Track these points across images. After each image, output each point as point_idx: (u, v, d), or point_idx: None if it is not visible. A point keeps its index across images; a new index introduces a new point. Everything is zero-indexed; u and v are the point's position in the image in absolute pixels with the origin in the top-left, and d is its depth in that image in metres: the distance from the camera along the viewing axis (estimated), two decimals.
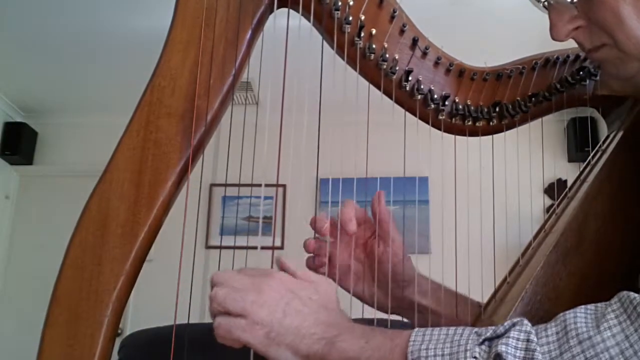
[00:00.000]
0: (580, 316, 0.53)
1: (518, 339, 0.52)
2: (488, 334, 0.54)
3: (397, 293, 0.82)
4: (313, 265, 0.80)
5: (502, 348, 0.51)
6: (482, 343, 0.54)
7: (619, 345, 0.49)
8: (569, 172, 3.55)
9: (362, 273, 0.83)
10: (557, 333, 0.52)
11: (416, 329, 0.57)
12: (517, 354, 0.51)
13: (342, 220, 0.79)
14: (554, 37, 0.69)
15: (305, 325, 0.59)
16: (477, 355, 0.52)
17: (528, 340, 0.52)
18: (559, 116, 0.89)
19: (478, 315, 0.80)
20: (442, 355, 0.53)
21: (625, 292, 0.53)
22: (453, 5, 3.02)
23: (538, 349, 0.51)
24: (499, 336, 0.54)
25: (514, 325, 0.54)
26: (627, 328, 0.50)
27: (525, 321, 0.54)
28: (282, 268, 0.66)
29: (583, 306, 0.55)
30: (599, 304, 0.55)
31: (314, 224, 0.79)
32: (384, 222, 0.81)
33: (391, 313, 0.79)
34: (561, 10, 0.69)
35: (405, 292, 0.83)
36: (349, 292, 0.82)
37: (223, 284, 0.61)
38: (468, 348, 0.53)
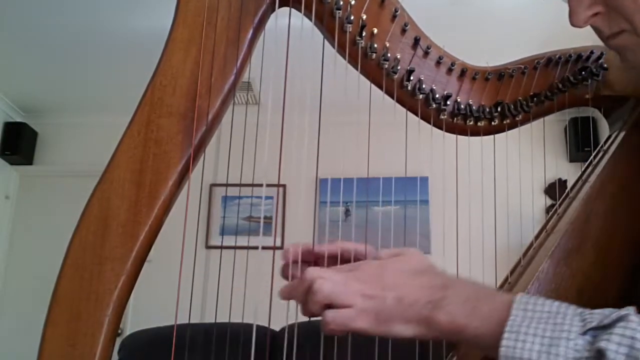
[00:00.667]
0: None
1: (622, 336, 0.49)
2: (594, 324, 0.51)
3: None
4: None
5: (604, 345, 0.49)
6: (585, 333, 0.51)
7: None
8: (569, 172, 3.55)
9: None
10: None
11: (518, 300, 0.55)
12: (620, 351, 0.48)
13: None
14: (573, 24, 0.69)
15: (406, 295, 0.60)
16: (580, 348, 0.50)
17: (633, 338, 0.49)
18: (560, 116, 0.88)
19: None
20: (543, 336, 0.51)
21: None
22: (453, 5, 3.02)
23: None
24: (604, 327, 0.51)
25: (620, 319, 0.51)
26: None
27: (633, 316, 0.51)
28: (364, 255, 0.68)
29: None
30: None
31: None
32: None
33: None
34: None
35: None
36: None
37: (324, 278, 0.62)
38: (571, 337, 0.51)
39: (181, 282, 0.73)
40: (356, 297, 0.61)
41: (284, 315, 0.88)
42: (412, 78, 0.80)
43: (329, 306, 0.61)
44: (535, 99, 0.85)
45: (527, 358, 0.51)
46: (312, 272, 0.63)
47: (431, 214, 3.74)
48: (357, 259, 0.73)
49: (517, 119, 0.84)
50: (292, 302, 0.77)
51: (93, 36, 3.37)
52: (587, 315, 0.52)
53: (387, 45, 0.78)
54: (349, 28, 0.76)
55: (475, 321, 0.56)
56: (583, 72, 0.88)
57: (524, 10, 3.06)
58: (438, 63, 0.81)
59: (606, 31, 0.68)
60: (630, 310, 0.52)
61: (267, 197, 3.86)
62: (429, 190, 3.75)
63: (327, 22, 0.77)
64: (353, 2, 0.76)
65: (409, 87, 0.80)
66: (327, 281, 0.62)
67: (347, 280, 0.62)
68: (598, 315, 0.52)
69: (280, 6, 0.76)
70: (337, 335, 0.62)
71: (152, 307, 2.81)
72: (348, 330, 0.61)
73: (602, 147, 0.87)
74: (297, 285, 0.64)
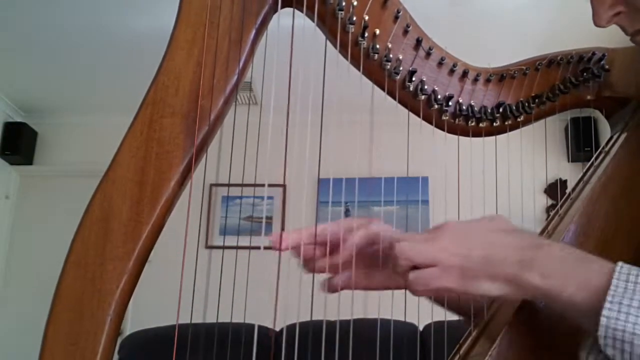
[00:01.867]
0: None
1: None
2: None
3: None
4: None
5: None
6: None
7: None
8: (569, 172, 3.55)
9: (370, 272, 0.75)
10: None
11: (616, 280, 0.53)
12: None
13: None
14: (596, 24, 0.69)
15: (494, 253, 0.59)
16: None
17: None
18: (560, 116, 0.88)
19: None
20: None
21: None
22: (453, 5, 3.02)
23: None
24: None
25: None
26: None
27: None
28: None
29: None
30: None
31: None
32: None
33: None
34: None
35: None
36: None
37: (406, 239, 0.62)
38: None
39: (182, 282, 0.73)
40: (440, 254, 0.60)
41: (284, 315, 0.88)
42: (414, 79, 0.80)
43: (416, 268, 0.60)
44: (536, 100, 0.85)
45: (630, 332, 0.49)
46: (393, 236, 0.63)
47: (432, 214, 3.74)
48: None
49: (518, 120, 0.84)
50: (292, 302, 0.77)
51: (93, 36, 3.37)
52: None
53: (389, 46, 0.78)
54: (351, 29, 0.77)
55: (571, 286, 0.54)
56: (585, 74, 0.88)
57: (525, 11, 3.07)
58: (440, 64, 0.81)
59: (629, 29, 0.70)
60: None
61: (268, 197, 3.86)
62: (430, 190, 3.75)
63: (329, 23, 0.77)
64: (355, 3, 0.76)
65: (411, 88, 0.80)
66: (407, 242, 0.61)
67: (429, 239, 0.61)
68: None
69: (282, 7, 0.76)
70: (425, 295, 0.62)
71: (152, 307, 2.81)
72: (434, 290, 0.60)
73: (603, 148, 0.87)
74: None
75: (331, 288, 0.74)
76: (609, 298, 0.51)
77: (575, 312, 0.55)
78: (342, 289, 0.74)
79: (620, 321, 0.50)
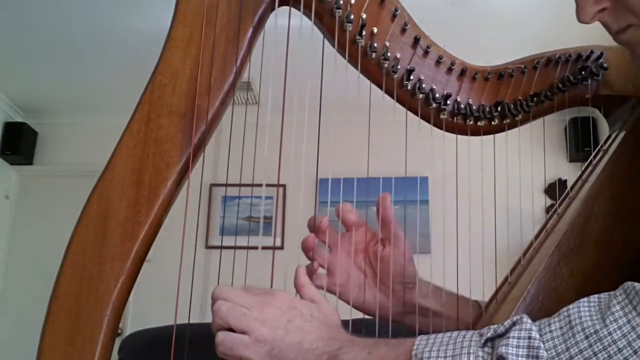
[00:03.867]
0: (584, 310, 0.53)
1: (519, 338, 0.52)
2: (489, 334, 0.54)
3: (400, 296, 0.81)
4: (311, 271, 0.78)
5: (503, 350, 0.51)
6: (484, 344, 0.53)
7: (626, 337, 0.50)
8: (569, 172, 3.55)
9: (363, 282, 0.81)
10: (561, 328, 0.52)
11: (420, 336, 0.57)
12: (520, 353, 0.51)
13: (341, 211, 0.80)
14: (580, 20, 0.68)
15: (307, 341, 0.60)
16: (481, 359, 0.52)
17: (529, 338, 0.52)
18: (560, 116, 0.88)
19: (479, 315, 0.80)
20: (445, 357, 0.53)
21: (629, 283, 0.53)
22: (453, 5, 3.02)
23: (542, 345, 0.51)
24: (500, 335, 0.54)
25: (514, 324, 0.54)
26: (633, 319, 0.50)
27: (525, 318, 0.54)
28: (296, 276, 0.67)
29: (585, 299, 0.54)
30: (601, 295, 0.55)
31: (312, 222, 0.78)
32: (388, 223, 0.80)
33: (393, 320, 0.78)
34: None
35: (409, 295, 0.82)
36: (348, 303, 0.81)
37: (226, 300, 0.62)
38: (471, 351, 0.53)
39: (181, 282, 0.73)
40: (254, 324, 0.60)
41: None
42: (412, 77, 0.80)
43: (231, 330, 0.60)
44: (535, 98, 0.84)
45: None
46: (217, 291, 0.63)
47: (431, 214, 3.74)
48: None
49: (517, 118, 0.84)
50: None
51: (93, 36, 3.37)
52: (484, 330, 0.55)
53: (387, 44, 0.78)
54: (349, 27, 0.76)
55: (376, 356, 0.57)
56: (583, 72, 0.87)
57: (523, 10, 3.06)
58: (438, 62, 0.81)
59: (614, 26, 0.68)
60: (523, 315, 0.54)
61: (267, 197, 3.86)
62: (429, 190, 3.75)
63: (326, 22, 0.77)
64: (353, 1, 0.76)
65: (409, 87, 0.80)
66: (226, 303, 0.61)
67: (252, 305, 0.61)
68: (493, 327, 0.54)
69: (279, 5, 0.75)
70: None
71: (152, 307, 2.81)
72: (237, 357, 0.60)
73: (602, 147, 0.87)
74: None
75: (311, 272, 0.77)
76: (413, 353, 0.55)
77: None
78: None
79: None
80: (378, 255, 0.80)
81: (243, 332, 0.60)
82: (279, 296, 0.63)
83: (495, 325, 0.55)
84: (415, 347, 0.56)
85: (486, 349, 0.53)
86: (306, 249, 0.79)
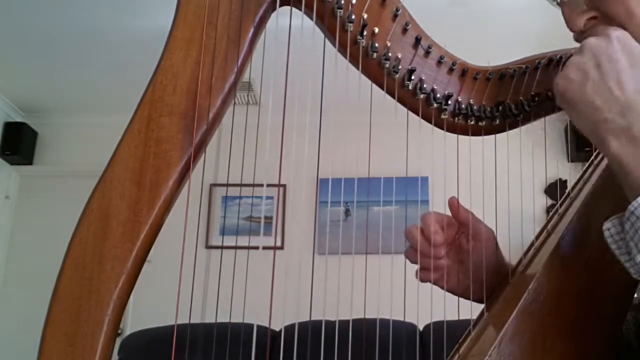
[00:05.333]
0: None
1: None
2: None
3: (494, 283, 0.84)
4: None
5: None
6: None
7: None
8: (569, 172, 3.55)
9: (455, 270, 0.86)
10: None
11: None
12: None
13: (427, 235, 0.83)
14: (571, 30, 0.71)
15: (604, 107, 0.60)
16: None
17: None
18: (560, 116, 0.88)
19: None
20: None
21: None
22: (453, 5, 3.02)
23: None
24: None
25: None
26: None
27: None
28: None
29: None
30: None
31: (410, 235, 0.84)
32: (465, 224, 0.85)
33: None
34: (572, 4, 0.70)
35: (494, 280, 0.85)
36: (442, 288, 0.86)
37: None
38: None
39: (181, 282, 0.73)
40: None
41: (283, 315, 0.88)
42: (413, 78, 0.80)
43: None
44: (536, 98, 0.84)
45: None
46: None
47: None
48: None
49: (518, 118, 0.84)
50: (292, 302, 0.77)
51: (93, 36, 3.37)
52: None
53: (388, 44, 0.78)
54: (350, 27, 0.76)
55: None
56: None
57: (524, 10, 3.06)
58: (439, 63, 0.81)
59: None
60: None
61: (268, 197, 3.86)
62: (430, 190, 3.75)
63: (328, 22, 0.76)
64: (354, 1, 0.76)
65: (410, 87, 0.80)
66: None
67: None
68: None
69: (281, 5, 0.75)
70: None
71: (152, 307, 2.81)
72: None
73: None
74: None
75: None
76: None
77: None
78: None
79: None
80: (464, 248, 0.86)
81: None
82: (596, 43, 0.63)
83: None
84: None
85: None
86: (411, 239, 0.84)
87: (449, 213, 0.87)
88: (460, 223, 0.86)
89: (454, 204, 0.85)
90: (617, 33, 0.62)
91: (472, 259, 0.84)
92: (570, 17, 0.68)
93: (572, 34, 0.75)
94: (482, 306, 0.81)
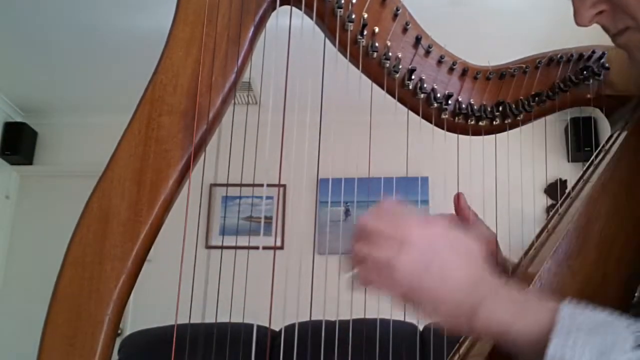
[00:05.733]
0: None
1: None
2: None
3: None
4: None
5: None
6: (638, 346, 0.49)
7: None
8: (569, 172, 3.55)
9: None
10: None
11: (565, 306, 0.53)
12: None
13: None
14: (578, 23, 0.68)
15: (447, 296, 0.57)
16: None
17: None
18: (560, 116, 0.88)
19: None
20: (592, 346, 0.49)
21: None
22: (453, 5, 3.02)
23: None
24: None
25: None
26: None
27: None
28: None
29: None
30: None
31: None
32: (467, 220, 0.84)
33: None
34: None
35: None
36: None
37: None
38: (626, 348, 0.49)
39: (181, 282, 0.73)
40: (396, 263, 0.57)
41: (284, 315, 0.88)
42: (413, 77, 0.80)
43: None
44: (536, 98, 0.84)
45: None
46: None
47: (432, 214, 3.73)
48: None
49: (518, 118, 0.84)
50: (292, 302, 0.77)
51: (93, 36, 3.37)
52: (637, 327, 0.51)
53: (389, 44, 0.78)
54: (350, 27, 0.76)
55: (519, 322, 0.54)
56: (584, 72, 0.87)
57: (524, 10, 3.06)
58: (439, 62, 0.81)
59: (612, 29, 0.68)
60: None
61: (268, 197, 3.86)
62: (430, 190, 3.75)
63: (328, 21, 0.76)
64: (354, 1, 0.76)
65: (410, 87, 0.80)
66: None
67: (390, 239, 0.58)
68: None
69: (281, 4, 0.75)
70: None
71: (152, 307, 2.81)
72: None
73: (603, 146, 0.87)
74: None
75: None
76: (554, 334, 0.51)
77: (523, 349, 0.54)
78: None
79: (566, 357, 0.50)
80: None
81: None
82: (414, 237, 0.59)
83: None
84: (559, 324, 0.51)
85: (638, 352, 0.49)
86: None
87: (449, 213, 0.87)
88: (463, 219, 0.85)
89: (460, 199, 0.84)
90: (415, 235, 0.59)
91: None
92: (580, 9, 0.67)
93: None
94: None
